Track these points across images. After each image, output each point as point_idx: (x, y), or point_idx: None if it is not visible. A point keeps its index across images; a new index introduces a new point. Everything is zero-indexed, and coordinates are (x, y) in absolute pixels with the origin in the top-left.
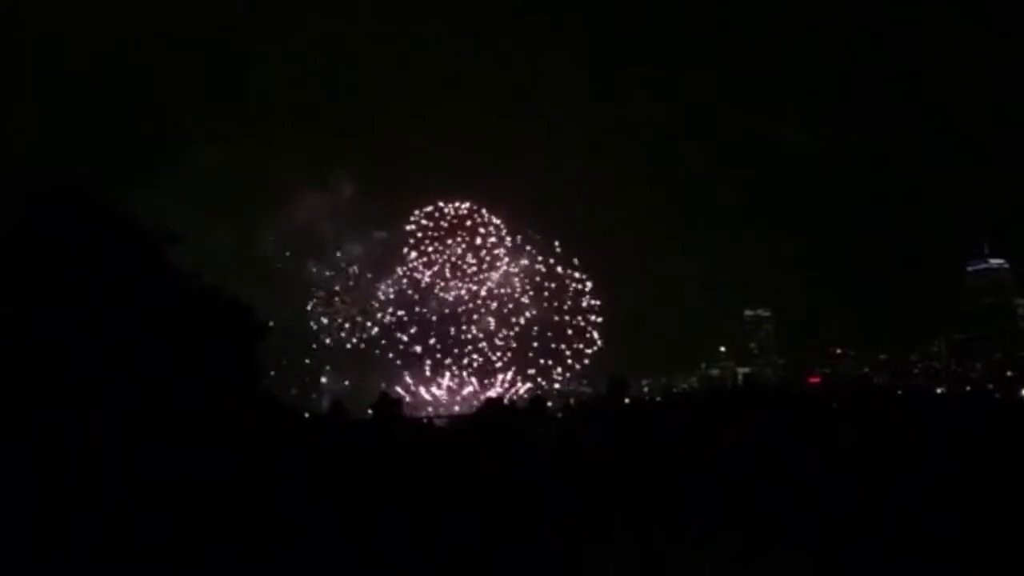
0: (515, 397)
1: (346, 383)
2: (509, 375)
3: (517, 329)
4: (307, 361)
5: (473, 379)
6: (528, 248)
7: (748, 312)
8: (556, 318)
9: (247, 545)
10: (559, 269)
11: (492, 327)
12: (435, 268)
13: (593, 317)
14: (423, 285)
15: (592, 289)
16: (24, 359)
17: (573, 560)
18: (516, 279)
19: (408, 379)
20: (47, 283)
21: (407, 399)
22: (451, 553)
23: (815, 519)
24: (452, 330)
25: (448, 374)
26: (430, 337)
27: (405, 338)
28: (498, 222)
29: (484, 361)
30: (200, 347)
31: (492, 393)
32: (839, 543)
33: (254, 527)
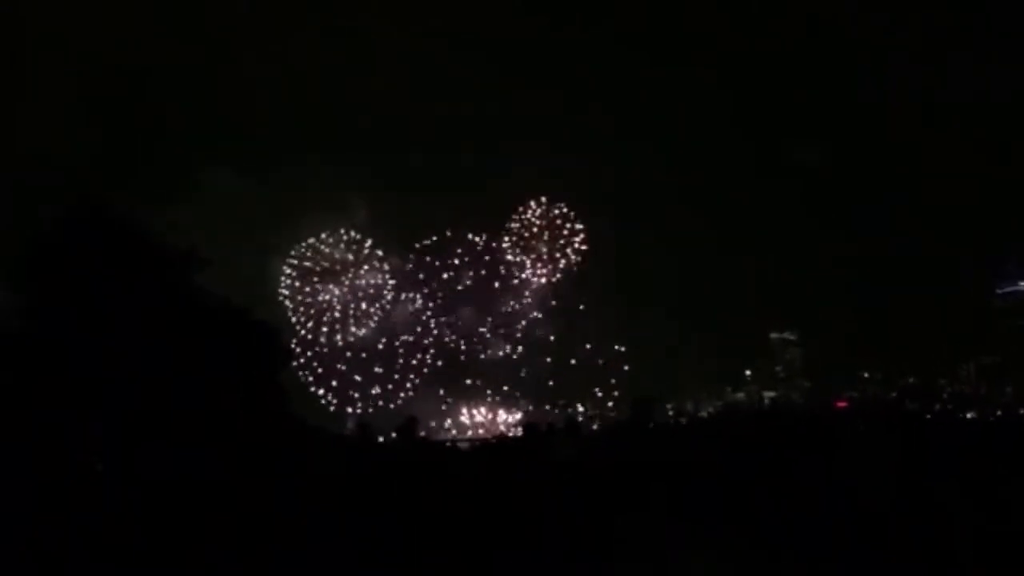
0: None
1: (370, 407)
2: (530, 404)
3: (532, 356)
4: (334, 384)
5: (497, 412)
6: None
7: (774, 335)
8: (573, 361)
9: (247, 545)
10: (581, 307)
11: (514, 357)
12: (446, 306)
13: (614, 362)
14: (433, 324)
15: (616, 328)
16: (26, 360)
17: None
18: (531, 311)
19: (430, 405)
20: (54, 288)
21: (447, 423)
22: (454, 558)
23: (817, 525)
24: (465, 358)
25: (471, 404)
26: (448, 369)
27: (422, 369)
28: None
29: (506, 392)
30: (216, 359)
31: (513, 418)
32: (839, 549)
33: (254, 528)
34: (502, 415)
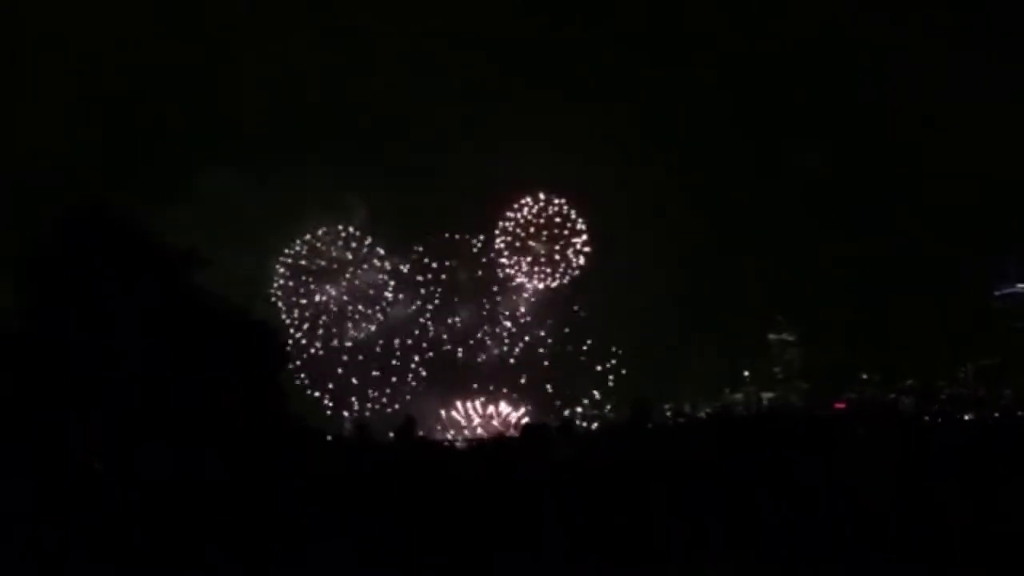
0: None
1: (367, 411)
2: (527, 405)
3: (529, 355)
4: (330, 386)
5: (498, 405)
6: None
7: (772, 336)
8: (571, 362)
9: (247, 545)
10: (577, 308)
11: (511, 360)
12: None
13: (612, 362)
14: (430, 328)
15: (614, 328)
16: (26, 360)
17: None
18: (529, 313)
19: (428, 405)
20: (54, 288)
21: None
22: (454, 558)
23: (815, 525)
24: (461, 354)
25: (466, 401)
26: (445, 371)
27: (419, 368)
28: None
29: (503, 391)
30: (216, 359)
31: (516, 413)
32: (837, 549)
33: (254, 528)
34: (503, 408)
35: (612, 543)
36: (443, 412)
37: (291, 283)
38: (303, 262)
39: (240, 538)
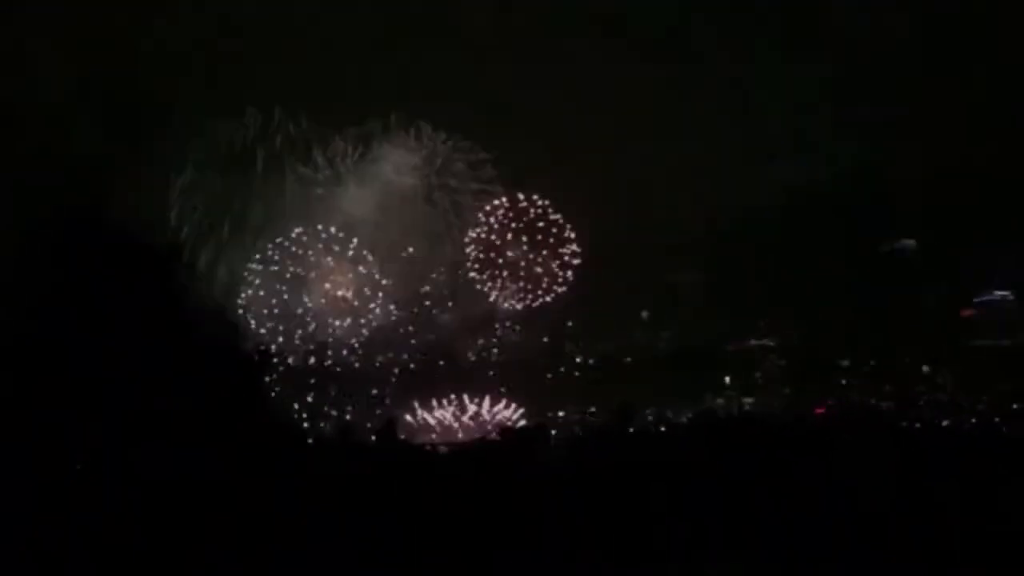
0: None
1: (347, 413)
2: (508, 405)
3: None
4: (310, 399)
5: (480, 406)
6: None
7: (753, 342)
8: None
9: (241, 543)
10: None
11: (489, 362)
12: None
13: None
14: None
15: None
16: (26, 360)
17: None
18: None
19: (410, 408)
20: (54, 288)
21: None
22: (438, 556)
23: (794, 525)
24: (444, 359)
25: (446, 403)
26: (424, 368)
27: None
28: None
29: (485, 395)
30: (213, 360)
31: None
32: (819, 547)
33: (248, 526)
34: (485, 408)
35: (612, 543)
36: (420, 414)
37: (262, 292)
38: (274, 268)
39: (238, 537)
